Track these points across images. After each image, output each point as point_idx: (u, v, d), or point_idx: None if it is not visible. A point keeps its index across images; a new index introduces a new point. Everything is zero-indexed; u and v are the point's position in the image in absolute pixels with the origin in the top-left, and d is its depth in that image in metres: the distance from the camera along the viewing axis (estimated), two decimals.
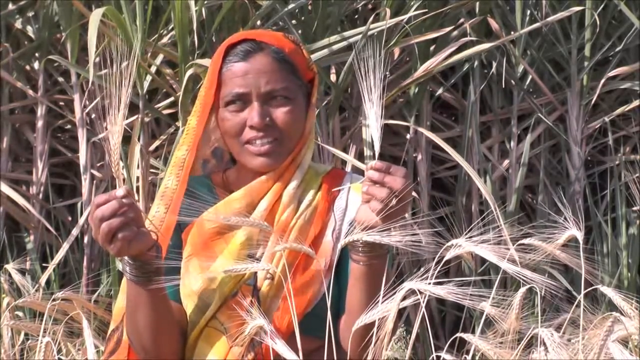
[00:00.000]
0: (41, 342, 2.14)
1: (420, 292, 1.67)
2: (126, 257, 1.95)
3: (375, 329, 1.70)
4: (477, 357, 1.73)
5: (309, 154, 2.18)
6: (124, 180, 1.93)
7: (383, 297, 1.72)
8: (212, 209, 2.09)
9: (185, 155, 2.15)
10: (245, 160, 2.13)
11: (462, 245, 1.72)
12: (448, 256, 1.73)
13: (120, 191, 1.89)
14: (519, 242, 1.81)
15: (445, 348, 1.69)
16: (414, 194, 3.74)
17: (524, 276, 1.69)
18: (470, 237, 1.72)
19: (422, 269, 1.72)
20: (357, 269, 1.99)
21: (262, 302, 2.05)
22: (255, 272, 2.06)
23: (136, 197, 1.94)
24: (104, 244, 1.90)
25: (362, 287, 1.99)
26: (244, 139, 2.11)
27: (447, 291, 1.65)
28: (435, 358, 1.71)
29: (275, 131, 2.11)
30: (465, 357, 1.71)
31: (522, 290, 1.75)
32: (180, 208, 2.09)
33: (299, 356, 1.73)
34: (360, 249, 1.97)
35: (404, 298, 1.70)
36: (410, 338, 3.52)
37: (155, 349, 2.03)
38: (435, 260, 1.72)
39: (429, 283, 1.67)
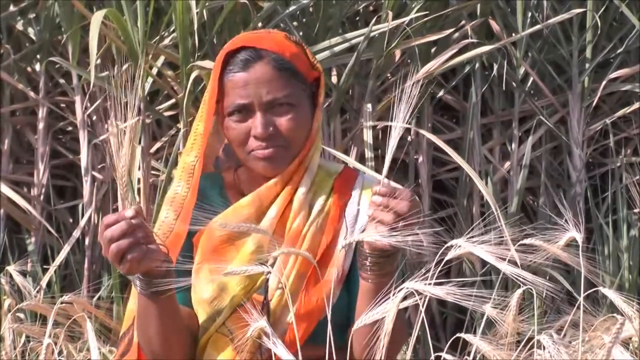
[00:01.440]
0: (44, 345, 2.14)
1: (420, 293, 1.67)
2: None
3: (384, 332, 1.70)
4: (477, 359, 1.73)
5: (316, 155, 2.15)
6: (124, 183, 1.92)
7: (383, 298, 1.73)
8: (221, 216, 2.07)
9: (194, 162, 2.13)
10: (251, 165, 2.11)
11: (462, 246, 1.72)
12: (449, 256, 1.72)
13: (129, 212, 1.88)
14: (520, 243, 1.81)
15: (446, 349, 1.68)
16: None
17: (524, 278, 1.68)
18: (471, 238, 1.72)
19: (422, 270, 1.72)
20: (366, 285, 1.99)
21: (273, 312, 2.03)
22: (267, 282, 2.05)
23: (145, 216, 1.92)
24: (114, 264, 1.90)
25: (370, 302, 1.97)
26: (249, 148, 2.09)
27: (448, 292, 1.65)
28: (435, 359, 1.71)
29: (279, 138, 2.08)
30: (466, 359, 1.71)
31: (519, 291, 1.75)
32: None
33: None
34: (368, 268, 1.97)
35: (404, 299, 1.69)
36: (410, 339, 3.51)
37: (165, 354, 2.03)
38: (436, 261, 1.72)
39: (430, 284, 1.67)
